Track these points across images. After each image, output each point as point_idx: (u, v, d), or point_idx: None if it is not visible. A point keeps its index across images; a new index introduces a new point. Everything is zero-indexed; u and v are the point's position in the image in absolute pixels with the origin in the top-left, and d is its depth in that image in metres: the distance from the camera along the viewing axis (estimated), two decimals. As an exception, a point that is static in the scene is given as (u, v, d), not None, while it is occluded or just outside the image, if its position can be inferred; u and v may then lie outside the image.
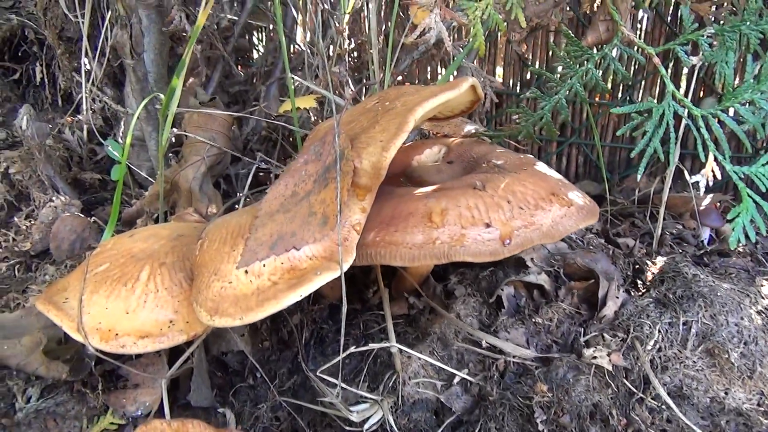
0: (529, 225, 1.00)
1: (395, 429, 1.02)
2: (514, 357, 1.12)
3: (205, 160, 1.28)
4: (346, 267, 0.91)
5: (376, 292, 1.34)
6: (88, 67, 1.58)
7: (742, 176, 1.17)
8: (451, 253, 0.96)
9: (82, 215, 1.38)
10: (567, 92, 1.24)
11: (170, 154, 1.41)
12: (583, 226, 1.07)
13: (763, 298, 1.42)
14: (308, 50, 1.52)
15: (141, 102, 1.34)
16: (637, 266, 1.48)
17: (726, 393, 1.19)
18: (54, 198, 1.41)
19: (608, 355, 1.12)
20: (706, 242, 1.91)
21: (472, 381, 1.09)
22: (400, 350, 1.11)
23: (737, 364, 1.20)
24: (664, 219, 2.03)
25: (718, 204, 2.13)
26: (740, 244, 1.98)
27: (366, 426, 1.01)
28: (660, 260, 1.51)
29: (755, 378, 1.21)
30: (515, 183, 1.06)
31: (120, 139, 1.53)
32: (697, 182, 1.16)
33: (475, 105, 1.22)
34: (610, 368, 1.11)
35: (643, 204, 2.09)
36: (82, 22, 1.58)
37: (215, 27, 1.72)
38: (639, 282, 1.42)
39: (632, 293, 1.36)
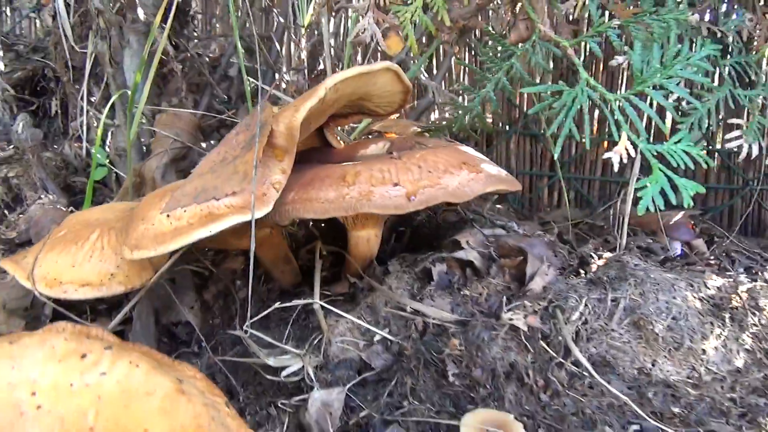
0: (435, 185, 1.09)
1: (314, 380, 1.08)
2: (434, 319, 1.17)
3: (168, 153, 1.43)
4: (258, 215, 1.01)
5: (322, 275, 1.42)
6: (84, 89, 1.79)
7: (655, 153, 1.24)
8: (358, 206, 1.05)
9: (64, 209, 1.53)
10: (494, 86, 1.36)
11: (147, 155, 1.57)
12: (492, 189, 1.15)
13: (707, 288, 1.44)
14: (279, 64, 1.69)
15: (122, 111, 1.52)
16: (583, 259, 1.52)
17: (653, 365, 1.21)
18: (43, 196, 1.57)
19: (524, 317, 1.16)
20: (678, 255, 1.93)
21: (392, 340, 1.15)
22: (329, 312, 1.18)
23: (663, 335, 1.22)
24: (636, 235, 2.07)
25: (691, 221, 2.17)
26: (710, 257, 2.00)
27: (284, 373, 1.07)
28: (608, 255, 1.55)
29: (683, 351, 1.23)
30: (429, 154, 1.16)
31: (107, 149, 1.71)
32: (610, 158, 1.23)
33: (407, 96, 1.34)
34: (525, 329, 1.15)
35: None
36: (84, 52, 1.80)
37: (206, 58, 1.92)
38: (582, 271, 1.47)
39: (570, 277, 1.40)
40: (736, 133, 1.48)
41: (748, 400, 1.17)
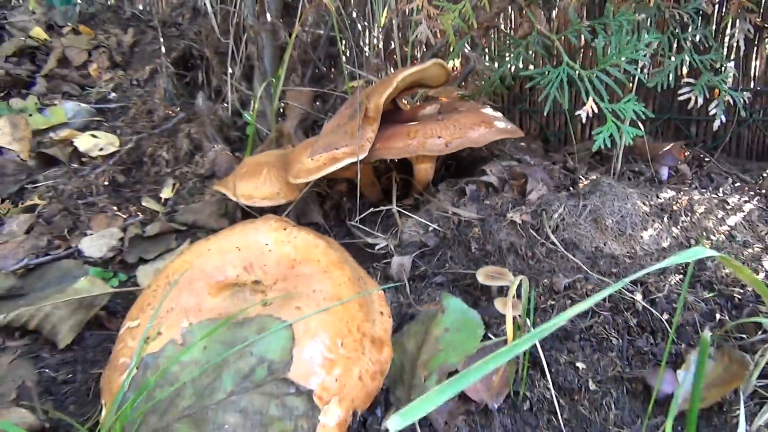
0: (463, 136, 1.83)
1: (393, 251, 1.89)
2: (465, 217, 1.94)
3: (296, 117, 2.23)
4: (360, 157, 1.80)
5: (396, 193, 2.22)
6: (231, 70, 2.61)
7: (611, 110, 1.90)
8: (418, 150, 1.81)
9: (230, 154, 2.38)
10: (508, 66, 2.04)
11: (279, 119, 2.37)
12: (500, 137, 1.87)
13: (658, 198, 2.11)
14: (362, 51, 2.43)
15: (261, 87, 2.33)
16: (574, 180, 2.22)
17: (604, 245, 1.93)
18: (215, 146, 2.43)
19: (521, 215, 1.91)
20: (664, 178, 2.56)
21: (439, 229, 1.94)
22: (402, 215, 1.98)
23: (611, 227, 1.93)
24: (636, 162, 2.71)
25: (684, 149, 2.76)
26: (691, 178, 2.62)
27: (376, 248, 1.89)
28: (592, 177, 2.24)
29: (626, 237, 1.94)
30: (461, 116, 1.89)
31: (251, 111, 2.53)
32: (580, 114, 1.91)
33: (450, 77, 2.06)
34: (520, 222, 1.90)
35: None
36: (229, 42, 2.61)
37: (308, 39, 2.69)
38: (572, 188, 2.17)
39: (560, 192, 2.11)
40: (686, 89, 2.08)
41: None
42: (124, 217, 2.12)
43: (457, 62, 2.75)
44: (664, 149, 2.67)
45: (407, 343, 1.57)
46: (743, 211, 2.11)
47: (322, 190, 2.22)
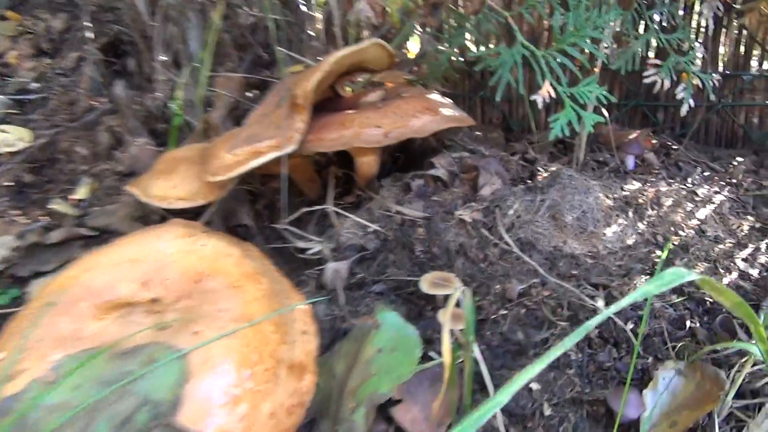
0: (404, 126, 1.62)
1: (328, 256, 1.67)
2: (409, 216, 1.73)
3: (225, 106, 1.99)
4: (287, 151, 1.57)
5: (337, 190, 2.00)
6: (159, 55, 2.35)
7: (569, 94, 1.70)
8: (351, 142, 1.59)
9: (154, 149, 2.14)
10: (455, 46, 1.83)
11: (209, 108, 2.14)
12: (446, 126, 1.66)
13: (623, 191, 1.93)
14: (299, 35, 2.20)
15: (190, 74, 2.08)
16: (533, 172, 2.03)
17: (564, 243, 1.74)
18: (138, 139, 2.18)
19: (470, 213, 1.70)
20: (630, 167, 2.39)
21: (381, 231, 1.72)
22: (339, 215, 1.76)
23: (571, 224, 1.74)
24: (600, 151, 2.53)
25: (651, 137, 2.59)
26: (657, 168, 2.45)
27: (308, 252, 1.67)
28: (553, 168, 2.05)
29: (587, 234, 1.75)
30: (403, 103, 1.68)
31: (178, 102, 2.28)
32: (535, 100, 1.71)
33: (393, 59, 1.84)
34: (470, 220, 1.69)
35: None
36: (156, 25, 2.35)
37: (246, 22, 2.44)
38: (530, 181, 1.98)
39: (516, 185, 1.92)
40: (652, 71, 1.90)
41: (630, 265, 1.69)
42: (27, 222, 1.86)
43: (413, 45, 2.54)
44: (630, 137, 2.49)
45: (336, 365, 1.36)
46: (713, 203, 1.94)
47: (254, 187, 1.99)
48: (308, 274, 1.69)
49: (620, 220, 1.80)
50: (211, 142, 1.86)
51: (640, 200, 1.87)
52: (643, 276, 1.66)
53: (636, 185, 1.96)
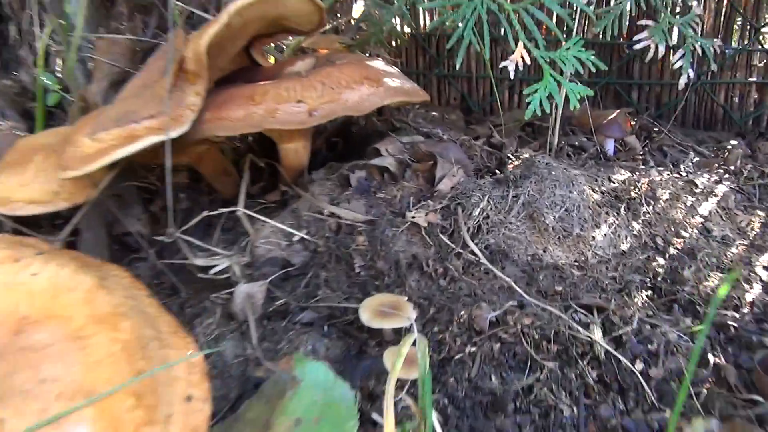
0: (336, 101, 1.20)
1: (240, 276, 1.25)
2: (347, 220, 1.33)
3: (107, 77, 1.53)
4: (173, 134, 1.14)
5: (257, 185, 1.57)
6: (36, 16, 1.86)
7: (548, 60, 1.32)
8: (264, 122, 1.17)
9: (21, 134, 1.66)
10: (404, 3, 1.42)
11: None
12: (392, 101, 1.26)
13: (611, 182, 1.57)
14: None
15: (71, 43, 1.60)
16: (501, 160, 1.65)
17: (544, 251, 1.37)
18: (2, 123, 1.69)
19: (426, 215, 1.31)
20: (611, 153, 2.04)
21: (310, 239, 1.31)
22: (254, 219, 1.34)
23: (552, 226, 1.37)
24: (574, 134, 2.18)
25: (630, 118, 2.26)
26: (641, 153, 2.12)
27: (211, 271, 1.24)
28: (525, 155, 1.67)
29: (572, 239, 1.38)
30: (335, 70, 1.26)
31: (60, 75, 1.80)
32: (506, 67, 1.33)
33: (323, 14, 1.42)
34: (426, 224, 1.30)
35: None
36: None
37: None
38: (499, 172, 1.60)
39: (483, 177, 1.53)
40: (643, 34, 1.54)
41: (626, 277, 1.34)
42: None
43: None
44: (609, 118, 2.14)
45: (240, 439, 0.95)
46: (716, 195, 1.61)
47: (150, 183, 1.54)
48: (214, 300, 1.27)
49: (611, 219, 1.45)
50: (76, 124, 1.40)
51: (633, 193, 1.52)
52: (644, 291, 1.30)
53: (625, 175, 1.61)
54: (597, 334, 1.13)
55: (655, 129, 2.27)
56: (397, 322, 1.11)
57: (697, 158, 2.00)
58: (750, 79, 2.39)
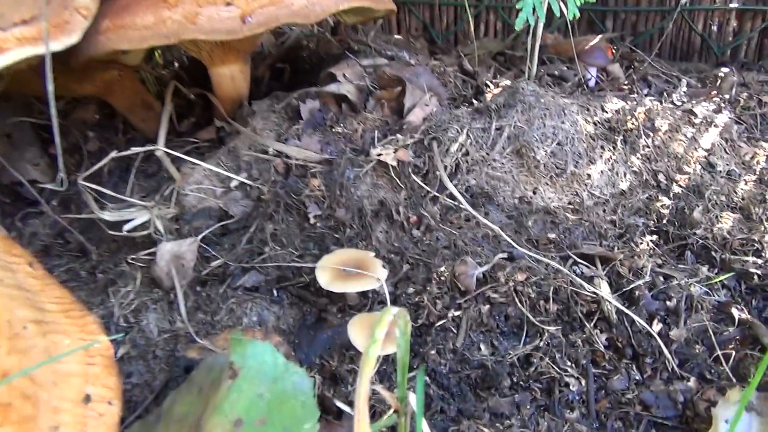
0: (277, 3, 0.93)
1: (162, 231, 0.99)
2: (297, 160, 1.08)
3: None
4: (57, 47, 0.85)
5: (188, 121, 1.29)
6: None
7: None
8: (182, 31, 0.89)
9: None
10: None
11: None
12: (348, 6, 0.99)
13: (604, 111, 1.36)
14: None
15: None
16: (478, 89, 1.41)
17: (534, 193, 1.16)
18: None
19: (394, 151, 1.07)
20: (592, 83, 1.83)
21: (251, 184, 1.06)
22: (182, 161, 1.07)
23: (544, 162, 1.16)
24: (552, 63, 1.95)
25: (611, 45, 2.05)
26: (625, 82, 1.91)
27: (126, 227, 0.98)
28: (505, 82, 1.44)
29: (566, 178, 1.17)
30: (275, -34, 0.98)
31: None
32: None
33: None
34: (395, 164, 1.07)
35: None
36: None
37: None
38: (476, 101, 1.36)
39: (459, 107, 1.30)
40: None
41: (627, 221, 1.15)
42: None
43: None
44: (589, 45, 1.92)
45: (164, 445, 0.73)
46: (717, 126, 1.43)
47: (48, 119, 1.24)
48: (132, 263, 1.01)
49: (607, 154, 1.24)
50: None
51: (630, 124, 1.32)
52: (648, 236, 1.12)
53: (618, 104, 1.40)
54: (604, 290, 0.94)
55: (637, 58, 2.07)
56: (364, 284, 0.89)
57: (684, 89, 1.81)
58: (731, 5, 2.19)
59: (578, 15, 1.08)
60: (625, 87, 1.79)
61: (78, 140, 1.23)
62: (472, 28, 2.15)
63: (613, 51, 2.06)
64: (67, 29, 0.86)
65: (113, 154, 1.00)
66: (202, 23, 0.89)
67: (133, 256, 1.01)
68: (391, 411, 0.64)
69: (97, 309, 0.98)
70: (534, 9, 1.03)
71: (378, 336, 0.55)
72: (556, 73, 1.85)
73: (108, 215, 0.96)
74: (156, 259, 0.97)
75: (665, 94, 1.74)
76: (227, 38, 0.90)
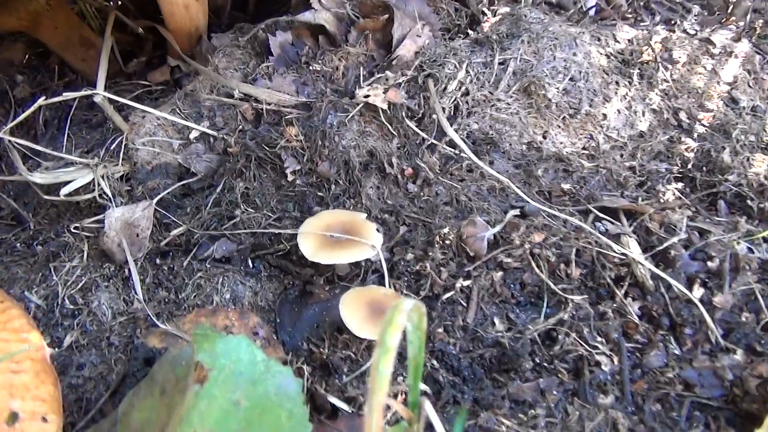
0: None
1: (109, 194, 0.82)
2: (270, 104, 0.90)
3: None
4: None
5: (137, 60, 1.09)
6: None
7: None
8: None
9: None
10: None
11: None
12: None
13: (617, 42, 1.20)
14: None
15: None
16: (473, 17, 1.23)
17: (544, 137, 1.01)
18: None
19: (384, 92, 0.90)
20: (593, 12, 1.65)
21: (215, 136, 0.88)
22: (133, 109, 0.89)
23: (557, 102, 1.00)
24: (548, -9, 1.76)
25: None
26: (628, 10, 1.74)
27: (64, 191, 0.80)
28: (504, 9, 1.26)
29: (580, 118, 1.02)
30: None
31: None
32: None
33: None
34: (385, 107, 0.90)
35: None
36: None
37: None
38: (472, 31, 1.19)
39: (454, 39, 1.12)
40: None
41: (648, 167, 1.02)
42: None
43: None
44: (591, -33, 1.72)
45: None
46: (737, 57, 1.28)
47: (-34, 62, 1.03)
48: (77, 232, 0.85)
49: (623, 90, 1.09)
50: None
51: (646, 56, 1.16)
52: (673, 183, 0.99)
53: (631, 32, 1.24)
54: (634, 250, 0.81)
55: (637, -17, 1.89)
56: (356, 252, 0.75)
57: (693, 16, 1.65)
58: None
59: None
60: (630, 16, 1.62)
61: (4, 85, 1.02)
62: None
63: (613, -24, 1.88)
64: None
65: (41, 100, 0.81)
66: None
67: (77, 225, 0.84)
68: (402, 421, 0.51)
69: (37, 288, 0.82)
70: None
71: (390, 344, 0.41)
72: (554, 1, 1.67)
73: (39, 177, 0.78)
74: (105, 228, 0.81)
75: (673, 22, 1.58)
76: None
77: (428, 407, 0.50)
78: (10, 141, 0.82)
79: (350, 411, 0.66)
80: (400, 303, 0.44)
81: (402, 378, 0.69)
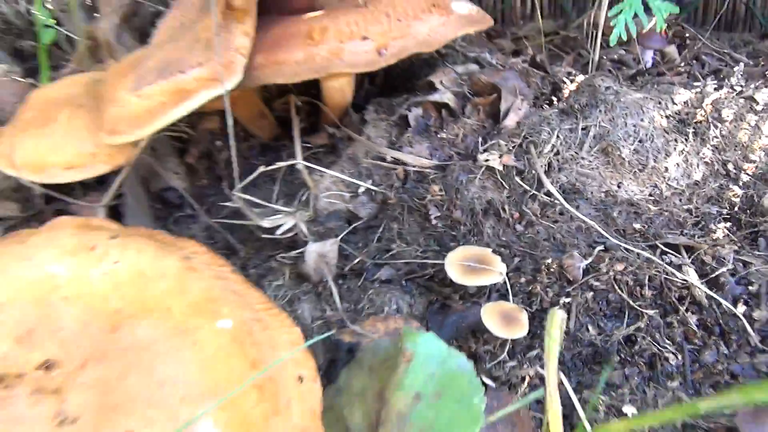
0: (405, 35, 1.06)
1: (306, 233, 1.16)
2: (414, 167, 1.23)
3: (117, 11, 1.34)
4: (229, 86, 1.00)
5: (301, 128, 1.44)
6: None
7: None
8: (330, 66, 1.03)
9: (23, 80, 1.47)
10: None
11: (96, 15, 1.47)
12: (463, 33, 1.12)
13: (674, 104, 1.48)
14: None
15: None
16: (555, 85, 1.54)
17: (618, 186, 1.30)
18: (-5, 67, 1.50)
19: (500, 157, 1.22)
20: (649, 64, 1.94)
21: (376, 190, 1.21)
22: (311, 169, 1.23)
23: (629, 159, 1.29)
24: (609, 47, 2.05)
25: (666, 28, 2.13)
26: (681, 64, 2.02)
27: (279, 231, 1.15)
28: (580, 78, 1.56)
29: (647, 172, 1.31)
30: (398, -2, 1.11)
31: (49, 5, 1.58)
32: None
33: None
34: (501, 168, 1.21)
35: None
36: None
37: None
38: (555, 99, 1.49)
39: (543, 107, 1.43)
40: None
41: (702, 209, 1.29)
42: None
43: None
44: (647, 28, 2.01)
45: (349, 414, 0.91)
46: (777, 113, 1.54)
47: (180, 131, 1.40)
48: (280, 260, 1.19)
49: (680, 146, 1.38)
50: (104, 73, 1.24)
51: (699, 116, 1.44)
52: (722, 223, 1.26)
53: (686, 95, 1.52)
54: (693, 277, 1.10)
55: (688, 35, 2.16)
56: (489, 277, 1.06)
57: (737, 67, 1.90)
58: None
59: (664, 26, 1.19)
60: (682, 70, 1.90)
61: (209, 148, 1.38)
62: (515, 6, 2.23)
63: (666, 31, 2.15)
64: (232, 68, 1.01)
65: (261, 168, 1.16)
66: (346, 58, 1.03)
67: (280, 255, 1.18)
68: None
69: (251, 300, 1.16)
70: (630, 19, 1.14)
71: (555, 336, 0.72)
72: (616, 57, 1.96)
73: (267, 223, 1.13)
74: (305, 258, 1.14)
75: (717, 74, 1.84)
76: (366, 70, 1.05)
77: (564, 380, 0.80)
78: (239, 196, 1.17)
79: (495, 386, 0.97)
80: (555, 312, 0.74)
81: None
